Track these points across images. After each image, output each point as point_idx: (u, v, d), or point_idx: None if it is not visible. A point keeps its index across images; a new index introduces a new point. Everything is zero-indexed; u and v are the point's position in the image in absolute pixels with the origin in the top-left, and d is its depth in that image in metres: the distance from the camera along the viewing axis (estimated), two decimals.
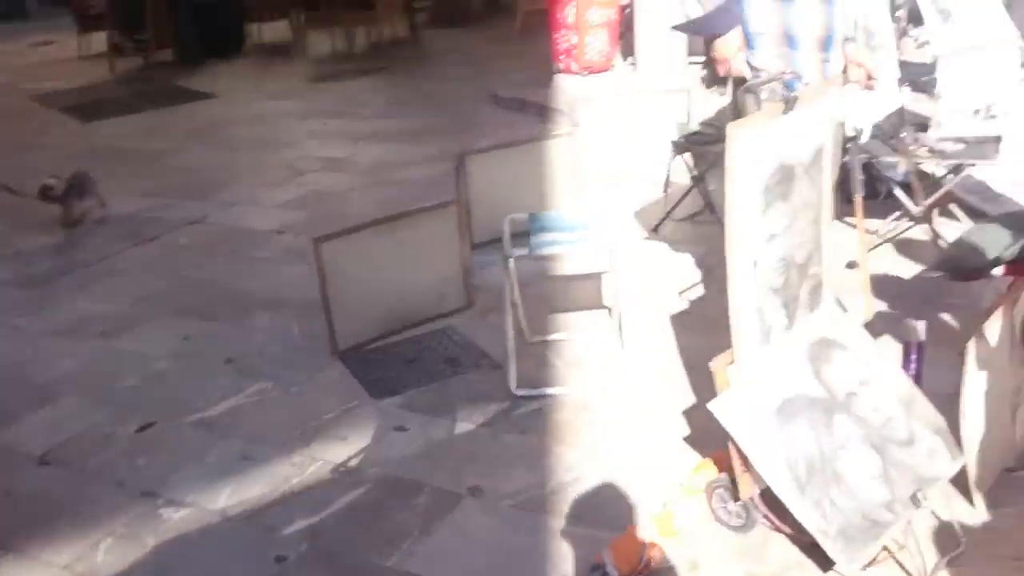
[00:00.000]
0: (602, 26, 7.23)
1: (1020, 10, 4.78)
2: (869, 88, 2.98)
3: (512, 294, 3.40)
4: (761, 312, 2.34)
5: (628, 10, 7.52)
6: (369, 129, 7.27)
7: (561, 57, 7.41)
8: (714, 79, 2.91)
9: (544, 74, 7.65)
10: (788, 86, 2.35)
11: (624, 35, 7.65)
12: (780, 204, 2.28)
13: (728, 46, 2.65)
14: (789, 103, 2.24)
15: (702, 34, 2.66)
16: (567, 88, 7.25)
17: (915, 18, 6.12)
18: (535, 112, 7.03)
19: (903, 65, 5.09)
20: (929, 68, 5.81)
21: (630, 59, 7.41)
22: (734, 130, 2.10)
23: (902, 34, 6.89)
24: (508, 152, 4.66)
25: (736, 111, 2.75)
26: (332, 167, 6.39)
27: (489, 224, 3.98)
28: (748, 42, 2.69)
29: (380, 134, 7.08)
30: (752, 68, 2.69)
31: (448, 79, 8.75)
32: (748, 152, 2.13)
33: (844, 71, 2.88)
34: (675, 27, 2.91)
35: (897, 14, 6.98)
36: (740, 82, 2.73)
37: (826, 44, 2.72)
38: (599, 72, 7.34)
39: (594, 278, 4.07)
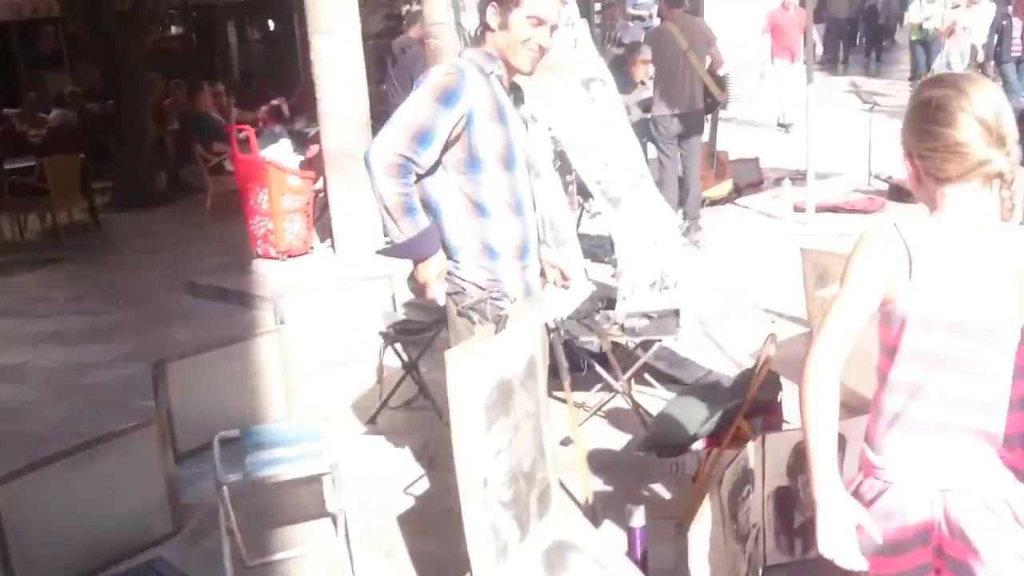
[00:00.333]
0: (297, 211, 7.25)
1: None
2: (565, 287, 3.17)
3: (228, 522, 3.16)
4: (495, 528, 2.33)
5: (322, 194, 7.61)
6: (49, 329, 6.68)
7: (258, 242, 7.31)
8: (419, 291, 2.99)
9: (242, 259, 7.48)
10: (496, 301, 2.44)
11: (320, 217, 7.71)
12: (502, 420, 2.31)
13: (429, 271, 2.72)
14: (500, 322, 2.30)
15: (406, 258, 2.70)
16: (267, 274, 7.14)
17: (584, 191, 6.75)
18: (235, 300, 6.83)
19: (581, 237, 5.54)
20: (603, 240, 6.34)
21: (328, 241, 7.46)
22: (452, 357, 2.12)
23: (577, 207, 7.54)
24: (212, 355, 4.43)
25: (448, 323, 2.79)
26: (6, 377, 5.77)
27: (196, 429, 3.72)
28: (450, 255, 2.76)
29: (63, 334, 6.53)
30: (457, 280, 2.76)
31: (138, 267, 8.30)
32: (467, 377, 2.16)
33: (541, 274, 3.04)
34: (378, 252, 2.94)
35: (569, 188, 7.64)
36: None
37: (523, 252, 2.86)
38: (298, 255, 7.31)
39: (314, 484, 3.90)
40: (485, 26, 2.83)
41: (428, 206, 2.77)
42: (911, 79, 15.36)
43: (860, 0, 25.49)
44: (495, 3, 2.78)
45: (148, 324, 6.52)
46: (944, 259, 1.77)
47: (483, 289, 2.72)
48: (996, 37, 11.55)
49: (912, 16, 15.31)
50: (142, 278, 7.86)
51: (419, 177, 2.69)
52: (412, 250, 2.66)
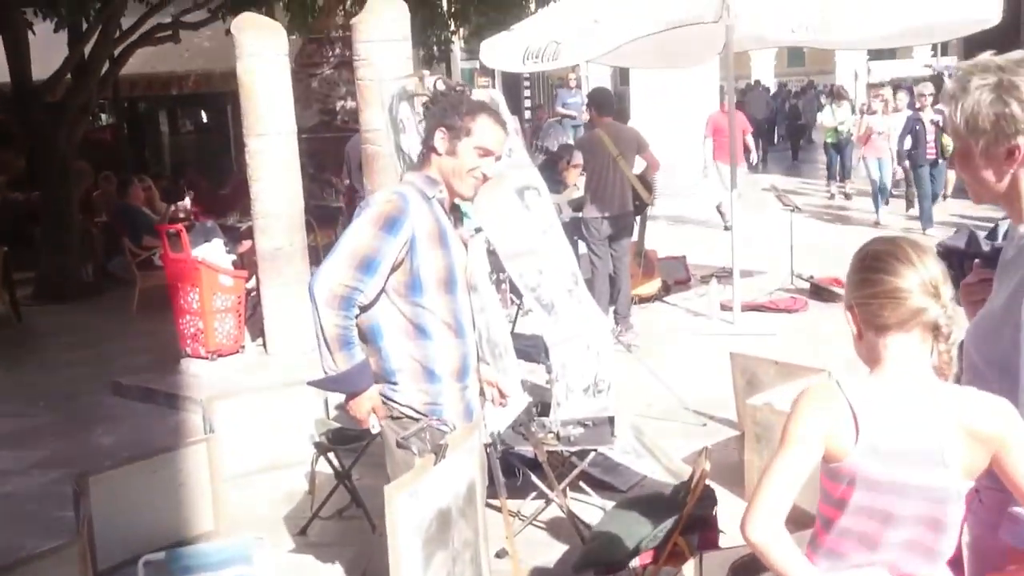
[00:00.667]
0: (228, 310, 7.18)
1: None
2: (503, 405, 3.19)
3: None
4: None
5: (254, 293, 7.55)
6: None
7: (187, 341, 7.19)
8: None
9: (170, 357, 7.33)
10: (438, 430, 2.45)
11: (252, 315, 7.64)
12: (440, 553, 2.30)
13: (362, 406, 2.72)
14: (440, 451, 2.31)
15: (339, 391, 2.71)
16: (196, 374, 7.01)
17: (516, 290, 6.83)
18: (163, 402, 6.68)
19: (515, 337, 5.59)
20: (537, 339, 6.40)
21: (260, 340, 7.38)
22: (391, 494, 2.12)
23: (511, 304, 7.61)
24: (137, 467, 4.31)
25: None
26: None
27: (119, 545, 3.61)
28: (388, 378, 2.77)
29: None
30: (394, 405, 2.77)
31: (60, 365, 8.05)
32: (406, 513, 2.15)
33: (480, 393, 3.06)
34: (311, 383, 2.93)
35: (503, 287, 7.72)
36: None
37: (463, 373, 2.88)
38: (229, 355, 7.20)
39: None
40: (431, 149, 2.88)
41: (368, 328, 2.79)
42: (828, 180, 15.80)
43: (777, 101, 26.62)
44: (444, 129, 2.84)
45: (70, 427, 6.32)
46: (890, 420, 1.80)
47: (421, 415, 2.73)
48: (911, 141, 11.69)
49: (825, 120, 15.51)
50: (65, 377, 7.63)
51: (363, 309, 2.71)
52: (345, 384, 2.67)
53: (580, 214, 7.82)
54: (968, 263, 2.13)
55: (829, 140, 15.40)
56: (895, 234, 2.03)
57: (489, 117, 2.86)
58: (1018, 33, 14.79)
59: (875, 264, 1.86)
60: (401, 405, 2.77)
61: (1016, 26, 14.16)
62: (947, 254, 1.94)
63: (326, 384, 2.69)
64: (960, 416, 1.79)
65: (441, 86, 3.05)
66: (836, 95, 16.18)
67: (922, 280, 1.82)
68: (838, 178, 15.50)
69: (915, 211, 12.36)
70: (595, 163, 7.55)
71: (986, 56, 1.93)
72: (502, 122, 2.94)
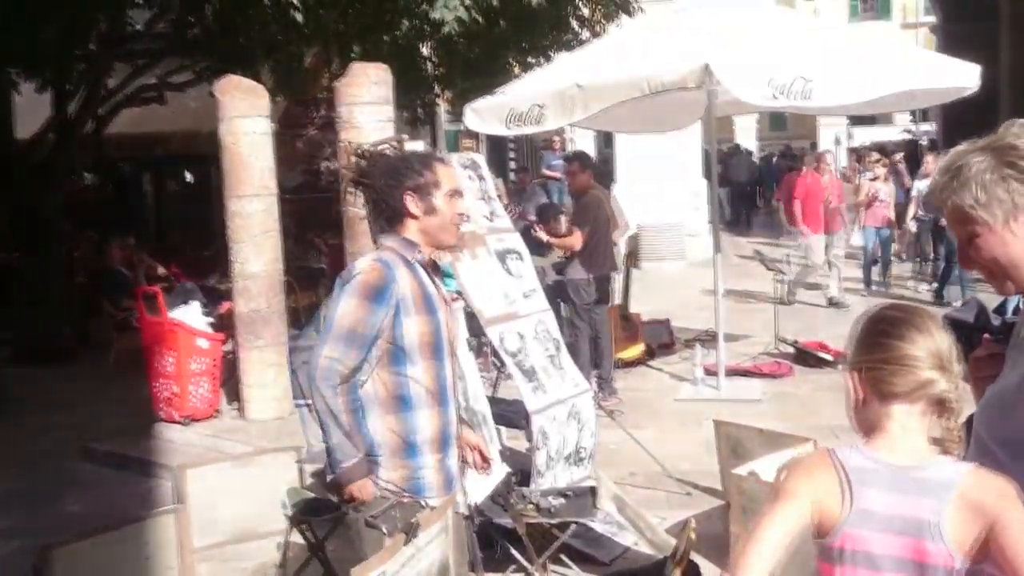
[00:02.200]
0: (204, 374, 7.06)
1: None
2: (485, 471, 3.09)
3: None
4: None
5: (231, 355, 7.44)
6: None
7: (162, 405, 7.06)
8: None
9: (144, 422, 7.18)
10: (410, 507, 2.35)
11: (229, 379, 7.51)
12: None
13: (367, 491, 2.65)
14: (411, 530, 2.21)
15: (357, 480, 2.60)
16: (170, 439, 6.86)
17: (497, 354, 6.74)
18: (135, 469, 6.51)
19: (496, 402, 5.49)
20: (518, 404, 6.30)
21: (235, 404, 7.25)
22: (359, 575, 2.01)
23: (492, 368, 7.51)
24: (103, 539, 4.17)
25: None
26: None
27: None
28: (369, 452, 2.68)
29: None
30: (376, 480, 2.67)
31: (31, 429, 7.86)
32: None
33: (461, 459, 2.96)
34: (331, 481, 2.77)
35: (484, 349, 7.63)
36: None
37: (444, 443, 2.80)
38: (203, 419, 7.06)
39: None
40: (407, 214, 2.82)
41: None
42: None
43: (765, 164, 26.94)
44: (412, 192, 2.79)
45: (39, 495, 6.14)
46: (885, 488, 1.74)
47: (403, 491, 2.63)
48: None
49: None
50: (37, 441, 7.45)
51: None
52: (361, 470, 2.60)
53: (561, 277, 7.74)
54: (976, 337, 2.05)
55: None
56: (910, 304, 1.96)
57: (438, 162, 2.88)
58: (996, 100, 15.03)
59: (889, 329, 1.81)
60: (383, 481, 2.67)
61: (994, 93, 14.38)
62: (954, 327, 1.90)
63: (343, 477, 2.61)
64: (959, 490, 1.73)
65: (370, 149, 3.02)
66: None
67: (935, 351, 1.77)
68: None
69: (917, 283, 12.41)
70: (594, 224, 7.48)
71: (957, 148, 1.87)
72: (448, 161, 3.02)
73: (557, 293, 7.78)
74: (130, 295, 9.47)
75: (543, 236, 7.76)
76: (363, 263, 2.77)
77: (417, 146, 5.32)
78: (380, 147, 3.02)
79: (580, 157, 8.14)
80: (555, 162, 19.44)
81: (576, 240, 7.60)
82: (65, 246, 11.95)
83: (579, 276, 7.53)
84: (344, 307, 2.65)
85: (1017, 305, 2.05)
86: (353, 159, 2.90)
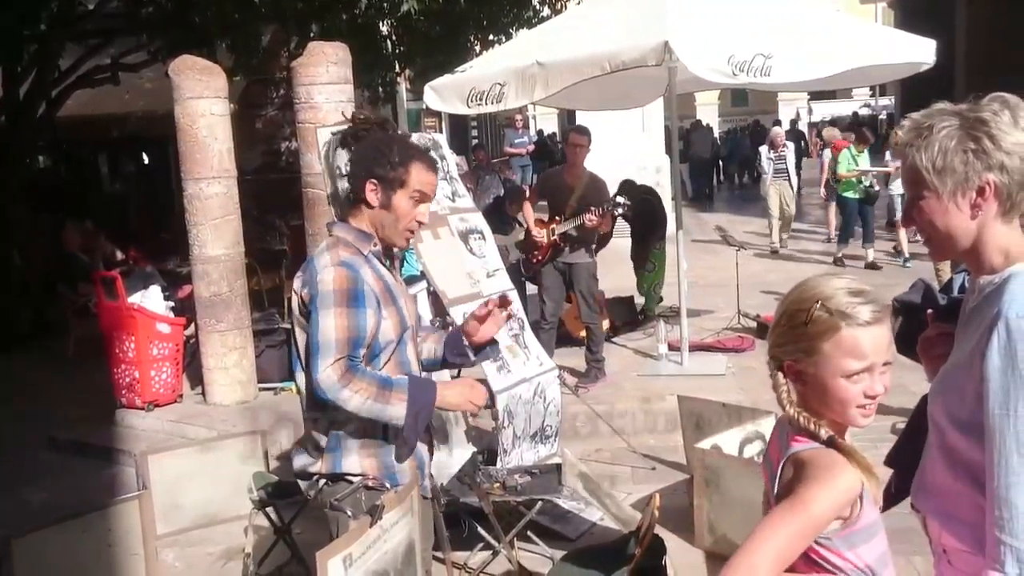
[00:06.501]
0: (165, 359, 6.98)
1: None
2: (507, 311, 3.00)
3: None
4: None
5: (193, 340, 7.36)
6: None
7: (123, 391, 6.97)
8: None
9: (106, 409, 7.09)
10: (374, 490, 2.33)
11: (190, 365, 7.44)
12: None
13: (460, 398, 2.69)
14: (376, 512, 2.21)
15: (429, 413, 2.59)
16: (132, 425, 6.79)
17: None
18: (98, 455, 6.44)
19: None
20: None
21: (198, 388, 7.18)
22: (323, 560, 2.01)
23: None
24: (65, 527, 4.12)
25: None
26: None
27: None
28: (341, 442, 2.64)
29: None
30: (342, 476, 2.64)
31: None
32: None
33: (429, 446, 2.94)
34: (405, 433, 2.68)
35: (450, 329, 7.60)
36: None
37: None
38: (165, 405, 6.99)
39: None
40: (363, 201, 2.71)
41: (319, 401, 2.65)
42: (840, 243, 12.66)
43: (731, 137, 27.16)
44: (375, 181, 2.67)
45: (1, 484, 6.06)
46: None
47: (375, 479, 2.60)
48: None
49: (843, 169, 12.33)
50: None
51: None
52: (425, 405, 2.60)
53: (565, 262, 7.43)
54: (925, 317, 2.04)
55: (851, 196, 12.32)
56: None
57: (421, 162, 2.71)
58: (952, 76, 15.21)
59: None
60: (354, 475, 2.63)
61: (950, 69, 14.56)
62: (904, 309, 1.89)
63: (414, 427, 2.56)
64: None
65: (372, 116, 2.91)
66: (861, 134, 13.27)
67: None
68: (853, 239, 12.48)
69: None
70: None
71: (938, 105, 1.86)
72: (435, 165, 2.79)
73: (521, 272, 7.78)
74: (88, 280, 9.32)
75: (594, 222, 7.14)
76: (327, 273, 2.59)
77: (438, 140, 5.27)
78: (382, 121, 2.91)
79: (586, 131, 7.71)
80: (517, 140, 19.43)
81: (607, 221, 7.44)
82: (22, 231, 11.73)
83: (587, 260, 7.42)
84: (325, 323, 2.54)
85: (963, 283, 2.06)
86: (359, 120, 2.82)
